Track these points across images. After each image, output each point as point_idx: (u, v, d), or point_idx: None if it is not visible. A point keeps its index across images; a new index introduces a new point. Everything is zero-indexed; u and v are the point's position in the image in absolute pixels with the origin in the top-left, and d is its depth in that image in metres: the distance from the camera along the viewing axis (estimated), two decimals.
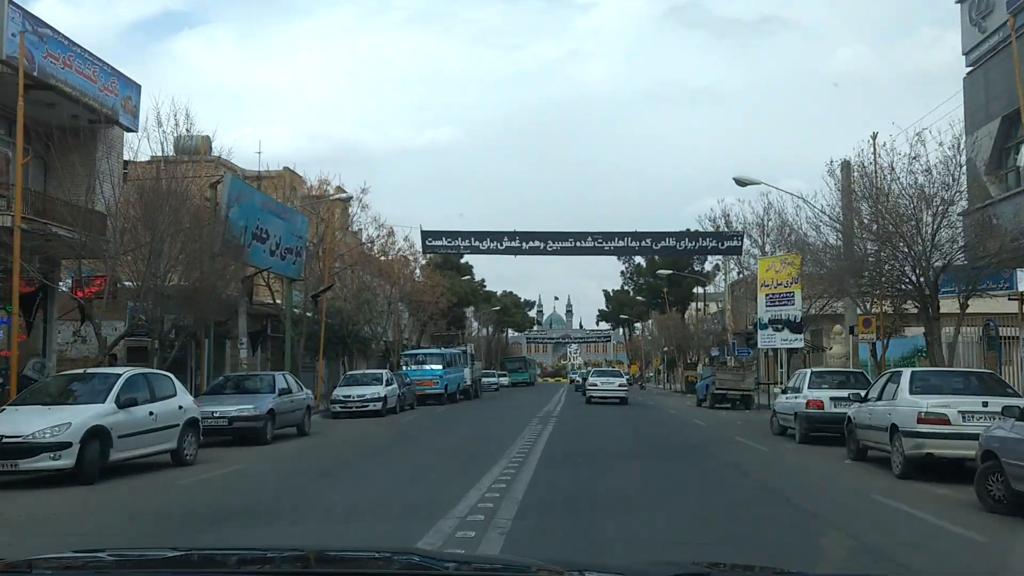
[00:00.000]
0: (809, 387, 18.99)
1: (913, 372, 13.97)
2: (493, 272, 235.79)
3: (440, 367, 42.02)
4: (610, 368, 56.54)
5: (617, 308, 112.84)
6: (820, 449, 17.81)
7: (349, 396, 31.36)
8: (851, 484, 12.83)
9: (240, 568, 2.76)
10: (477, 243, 30.53)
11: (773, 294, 32.45)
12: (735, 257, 34.27)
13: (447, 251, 31.04)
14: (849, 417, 15.47)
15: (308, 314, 32.07)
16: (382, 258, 42.68)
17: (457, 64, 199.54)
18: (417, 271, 50.98)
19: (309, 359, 36.97)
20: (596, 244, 30.21)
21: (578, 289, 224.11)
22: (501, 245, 30.40)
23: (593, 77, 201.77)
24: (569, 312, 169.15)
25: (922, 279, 18.39)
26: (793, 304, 31.72)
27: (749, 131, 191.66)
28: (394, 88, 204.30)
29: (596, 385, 40.80)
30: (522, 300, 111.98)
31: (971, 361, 24.44)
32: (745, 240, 33.96)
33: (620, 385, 40.92)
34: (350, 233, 45.22)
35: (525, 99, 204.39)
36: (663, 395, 60.65)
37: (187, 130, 24.65)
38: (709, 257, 62.36)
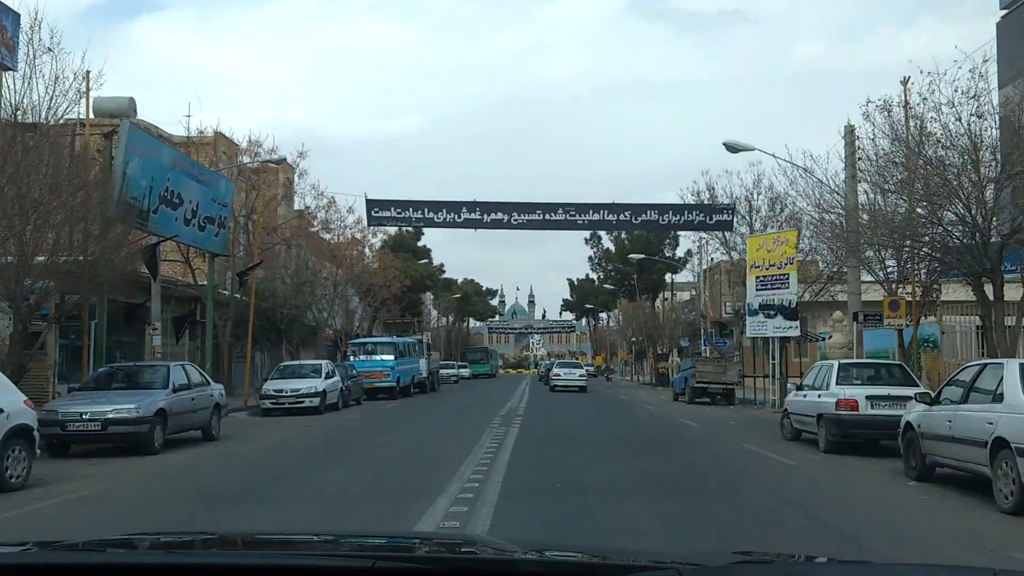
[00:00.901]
0: (838, 383, 15.26)
1: None
2: (454, 260, 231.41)
3: (391, 358, 37.94)
4: (572, 360, 60.16)
5: (582, 297, 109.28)
6: (858, 462, 14.10)
7: (281, 391, 27.20)
8: (951, 523, 9.06)
9: None
10: (431, 214, 26.42)
11: (764, 276, 28.83)
12: (723, 235, 30.59)
13: (396, 223, 26.96)
14: (910, 423, 11.72)
15: (237, 296, 27.82)
16: (326, 235, 38.44)
17: (420, 53, 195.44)
18: (367, 252, 46.69)
19: (242, 348, 32.73)
20: (568, 217, 26.30)
21: (542, 280, 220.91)
22: (459, 217, 26.32)
23: (556, 68, 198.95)
24: (532, 302, 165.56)
25: (982, 248, 14.72)
26: (787, 287, 28.11)
27: (711, 123, 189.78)
28: (356, 77, 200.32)
29: (559, 375, 45.08)
30: (484, 288, 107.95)
31: None
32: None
33: (580, 375, 45.16)
34: (289, 204, 40.95)
35: (488, 90, 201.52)
36: (632, 388, 57.07)
37: (98, 86, 19.81)
38: (681, 243, 58.92)
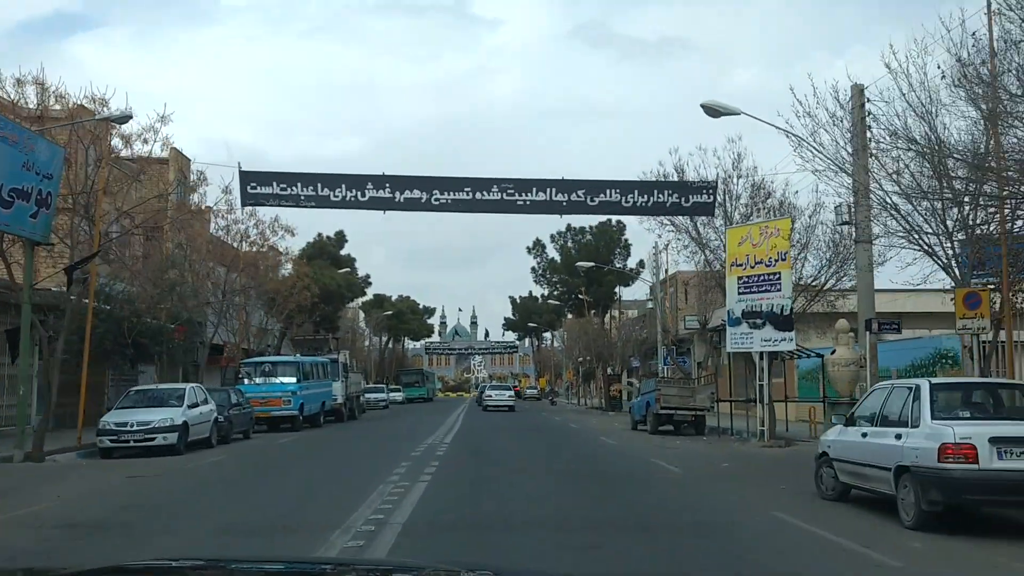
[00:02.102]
0: (934, 416, 9.39)
1: None
2: (392, 281, 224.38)
3: (293, 380, 31.40)
4: (502, 384, 66.61)
5: (524, 315, 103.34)
6: (987, 551, 8.24)
7: (125, 424, 20.60)
8: None
9: None
10: (327, 191, 19.91)
11: (749, 276, 23.19)
12: (695, 230, 24.90)
13: (280, 203, 20.54)
14: None
15: (73, 298, 21.18)
16: (241, 243, 31.97)
17: (361, 75, 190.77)
18: (285, 262, 39.99)
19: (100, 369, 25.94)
20: (505, 197, 20.13)
21: (485, 301, 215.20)
22: (362, 196, 19.92)
23: (501, 91, 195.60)
24: (475, 323, 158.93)
25: None
26: (778, 290, 22.51)
27: (651, 148, 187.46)
28: (297, 97, 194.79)
29: (491, 396, 50.73)
30: (421, 307, 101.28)
31: None
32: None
33: (509, 396, 50.97)
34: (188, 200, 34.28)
35: (433, 112, 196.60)
36: (580, 413, 51.14)
37: None
38: (633, 253, 53.53)
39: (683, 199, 21.17)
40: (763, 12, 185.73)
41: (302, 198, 20.32)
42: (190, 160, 40.13)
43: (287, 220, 33.77)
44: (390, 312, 78.53)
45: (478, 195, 20.40)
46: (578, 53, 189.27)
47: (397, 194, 20.40)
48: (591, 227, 52.96)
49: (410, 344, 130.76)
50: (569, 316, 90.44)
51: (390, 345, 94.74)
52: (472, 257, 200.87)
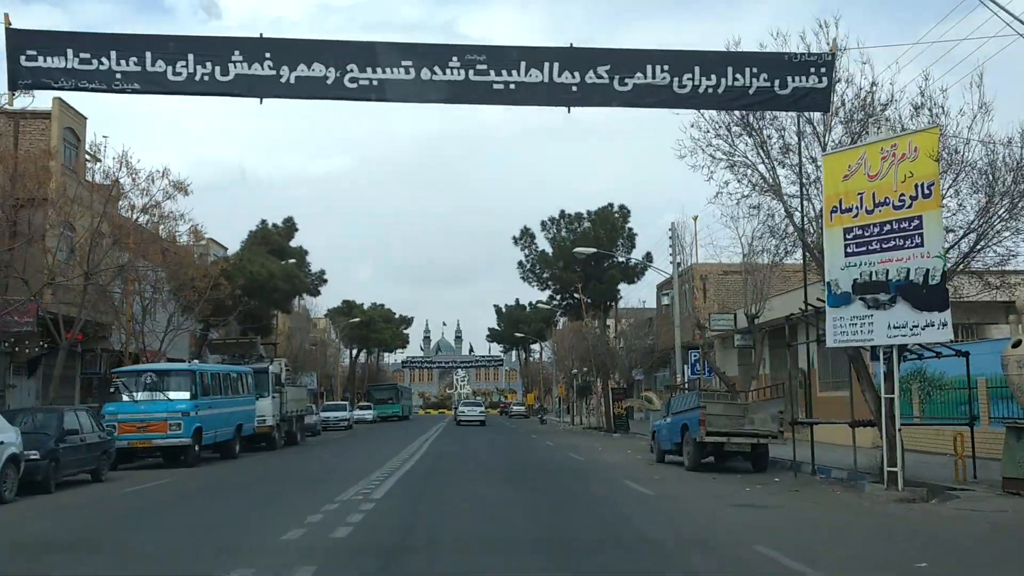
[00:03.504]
0: None
1: None
2: (375, 296, 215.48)
3: (186, 396, 22.47)
4: (475, 400, 73.22)
5: (511, 325, 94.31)
6: None
7: None
8: None
9: None
10: (160, 66, 11.28)
11: (865, 227, 14.53)
12: (767, 164, 16.20)
13: (82, 85, 12.12)
14: None
15: None
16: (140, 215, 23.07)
17: None
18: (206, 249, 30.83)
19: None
20: (474, 77, 11.51)
21: (471, 317, 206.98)
22: (224, 73, 11.29)
23: (487, 110, 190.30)
24: (459, 338, 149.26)
25: None
26: (918, 244, 13.85)
27: (640, 164, 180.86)
28: (286, 115, 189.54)
29: (464, 412, 55.81)
30: (397, 316, 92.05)
31: None
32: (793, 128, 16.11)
33: (480, 412, 56.40)
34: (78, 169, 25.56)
35: (420, 130, 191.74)
36: (575, 434, 42.27)
37: None
38: (638, 244, 44.87)
39: (777, 82, 12.43)
40: (757, 27, 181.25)
41: (118, 77, 11.50)
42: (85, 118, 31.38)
43: (178, 172, 24.82)
44: (357, 320, 69.27)
45: (426, 74, 11.72)
46: None
47: (285, 71, 11.68)
48: (588, 212, 44.18)
49: (390, 359, 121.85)
50: (561, 322, 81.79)
51: (361, 358, 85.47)
52: (460, 276, 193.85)
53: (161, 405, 22.16)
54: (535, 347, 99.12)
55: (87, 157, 29.11)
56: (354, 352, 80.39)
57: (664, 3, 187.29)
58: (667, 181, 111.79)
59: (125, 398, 22.57)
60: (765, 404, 20.67)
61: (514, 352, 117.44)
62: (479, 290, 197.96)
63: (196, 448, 22.52)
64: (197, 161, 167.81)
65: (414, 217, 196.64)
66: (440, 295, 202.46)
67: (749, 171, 16.95)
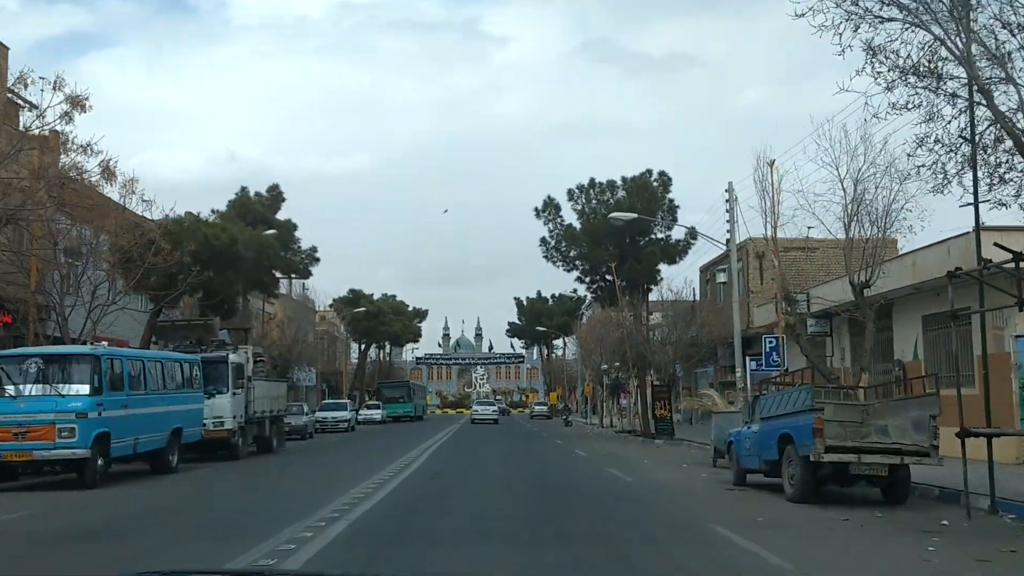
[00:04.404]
0: None
1: None
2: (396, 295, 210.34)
3: (84, 390, 16.27)
4: (489, 400, 74.72)
5: (532, 319, 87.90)
6: None
7: None
8: None
9: None
10: None
11: None
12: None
13: None
14: None
15: None
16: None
17: (370, 92, 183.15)
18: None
19: None
20: None
21: (491, 316, 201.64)
22: None
23: (507, 107, 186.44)
24: (479, 335, 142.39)
25: None
26: None
27: (657, 161, 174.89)
28: (306, 115, 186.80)
29: (478, 411, 60.78)
30: (410, 308, 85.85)
31: None
32: None
33: (493, 411, 60.80)
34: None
35: (439, 128, 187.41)
36: (608, 440, 35.88)
37: None
38: (679, 220, 38.51)
39: None
40: (782, 21, 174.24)
41: None
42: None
43: (74, 84, 18.58)
44: (363, 310, 63.04)
45: None
46: (584, 69, 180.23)
47: None
48: (623, 180, 37.65)
49: (406, 356, 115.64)
50: (585, 316, 75.18)
51: (372, 354, 79.33)
52: (479, 276, 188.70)
53: (48, 403, 16.00)
54: (557, 342, 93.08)
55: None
56: (363, 346, 74.25)
57: (687, 1, 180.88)
58: (699, 189, 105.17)
59: (7, 393, 16.45)
60: (900, 406, 14.17)
61: (535, 348, 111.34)
62: (500, 289, 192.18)
63: (100, 462, 16.39)
64: (220, 160, 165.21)
65: (435, 217, 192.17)
66: (461, 294, 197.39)
67: (911, 32, 10.52)
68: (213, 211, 32.28)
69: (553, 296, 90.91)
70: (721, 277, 28.53)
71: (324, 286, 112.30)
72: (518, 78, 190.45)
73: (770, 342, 21.83)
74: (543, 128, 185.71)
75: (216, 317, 25.88)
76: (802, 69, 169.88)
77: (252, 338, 36.76)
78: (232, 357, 24.28)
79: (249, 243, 27.13)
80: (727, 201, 28.61)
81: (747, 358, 27.62)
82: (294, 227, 38.69)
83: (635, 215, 28.89)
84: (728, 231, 28.47)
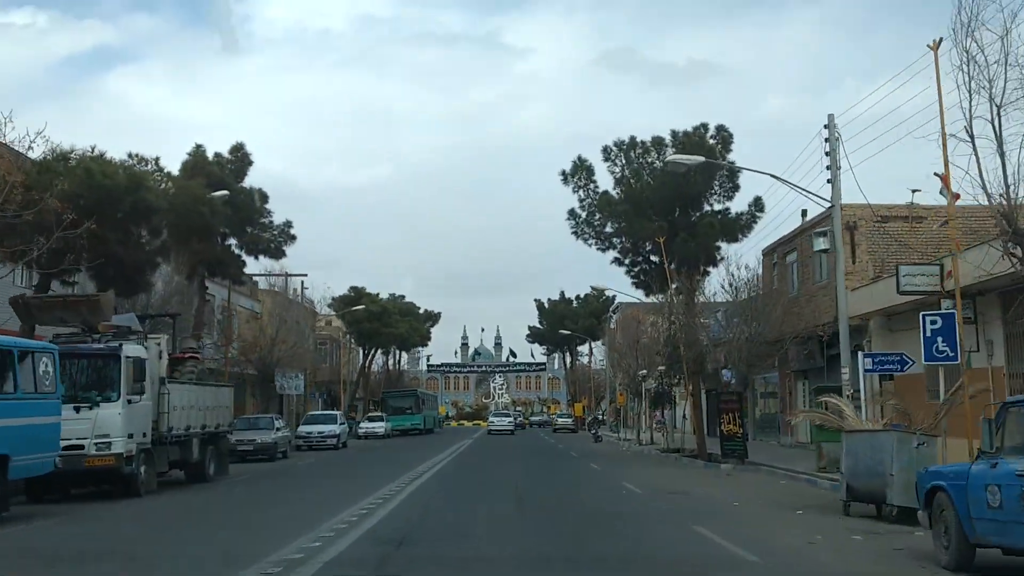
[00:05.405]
0: None
1: None
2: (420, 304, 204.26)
3: None
4: (506, 412, 75.76)
5: (554, 322, 79.89)
6: None
7: None
8: None
9: None
10: None
11: None
12: None
13: None
14: None
15: None
16: None
17: (392, 104, 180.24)
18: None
19: None
20: None
21: (511, 326, 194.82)
22: None
23: (529, 118, 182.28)
24: (499, 344, 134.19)
25: None
26: None
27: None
28: (328, 127, 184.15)
29: (494, 423, 64.37)
30: (421, 310, 78.12)
31: None
32: None
33: (509, 422, 64.12)
34: None
35: (460, 139, 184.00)
36: (654, 462, 28.06)
37: None
38: (741, 188, 30.36)
39: None
40: (803, 30, 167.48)
41: None
42: None
43: None
44: (362, 308, 55.36)
45: None
46: (605, 79, 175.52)
47: None
48: (674, 135, 29.82)
49: (422, 365, 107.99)
50: (613, 319, 67.21)
51: (376, 359, 71.67)
52: (499, 286, 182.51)
53: None
54: (582, 348, 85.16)
55: None
56: (365, 350, 66.73)
57: (709, 10, 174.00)
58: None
59: None
60: None
61: (557, 356, 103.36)
62: (521, 300, 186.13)
63: None
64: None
65: (456, 228, 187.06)
66: (480, 304, 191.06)
67: None
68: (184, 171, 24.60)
69: (578, 297, 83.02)
70: (820, 243, 20.77)
71: (339, 292, 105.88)
72: (540, 89, 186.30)
73: (931, 323, 13.67)
74: (564, 138, 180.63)
75: (110, 291, 18.30)
76: (825, 77, 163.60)
77: (205, 332, 29.19)
78: (128, 349, 16.67)
79: (173, 197, 19.45)
80: (826, 140, 20.86)
81: (860, 354, 19.79)
82: (264, 197, 30.98)
83: (702, 158, 20.98)
84: (830, 179, 20.68)
